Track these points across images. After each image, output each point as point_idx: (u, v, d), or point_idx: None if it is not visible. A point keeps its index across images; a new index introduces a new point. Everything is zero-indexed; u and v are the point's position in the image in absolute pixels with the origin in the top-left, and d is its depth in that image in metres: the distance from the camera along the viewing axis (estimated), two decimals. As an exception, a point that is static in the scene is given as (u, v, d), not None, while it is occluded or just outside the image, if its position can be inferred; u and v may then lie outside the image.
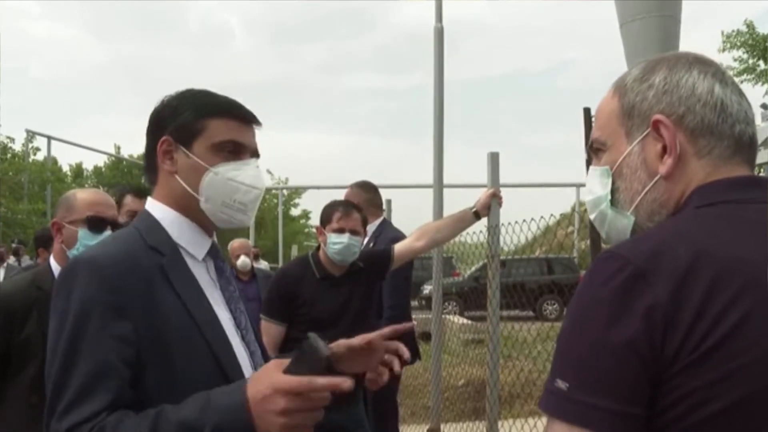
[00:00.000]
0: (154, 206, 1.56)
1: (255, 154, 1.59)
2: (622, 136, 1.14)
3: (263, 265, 14.48)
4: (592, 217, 1.22)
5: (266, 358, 1.62)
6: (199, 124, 1.53)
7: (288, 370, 1.26)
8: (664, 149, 1.09)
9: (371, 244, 4.18)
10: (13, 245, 13.48)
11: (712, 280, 0.91)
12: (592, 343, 0.93)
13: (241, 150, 1.56)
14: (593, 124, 1.21)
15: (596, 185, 1.19)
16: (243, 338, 1.56)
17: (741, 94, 1.11)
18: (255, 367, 1.55)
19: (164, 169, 1.55)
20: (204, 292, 1.50)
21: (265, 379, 1.26)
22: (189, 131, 1.53)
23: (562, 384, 0.94)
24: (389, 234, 4.11)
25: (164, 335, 1.37)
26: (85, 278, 1.35)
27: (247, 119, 1.58)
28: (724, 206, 1.03)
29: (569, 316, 0.99)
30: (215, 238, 1.64)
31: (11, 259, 12.10)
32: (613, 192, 1.16)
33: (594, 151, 1.21)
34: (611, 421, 0.90)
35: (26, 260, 12.05)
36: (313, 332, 1.32)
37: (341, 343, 1.64)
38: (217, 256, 1.60)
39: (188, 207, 1.54)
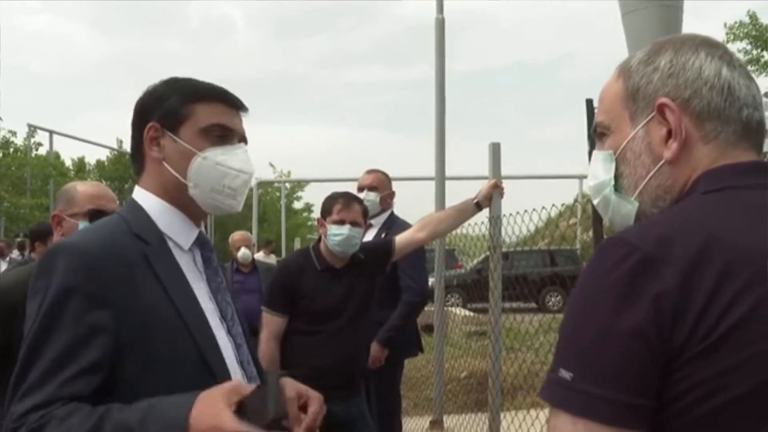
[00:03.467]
0: (140, 195, 1.55)
1: (243, 139, 1.59)
2: (626, 119, 1.11)
3: (272, 259, 14.43)
4: (595, 202, 1.19)
5: (252, 352, 1.60)
6: (186, 109, 1.52)
7: (238, 412, 1.24)
8: (669, 133, 1.06)
9: (382, 235, 4.19)
10: (18, 240, 13.47)
11: (723, 268, 0.89)
12: (598, 331, 0.91)
13: (229, 134, 1.55)
14: (597, 109, 1.19)
15: (599, 170, 1.16)
16: (228, 330, 1.53)
17: (749, 77, 1.08)
18: (240, 361, 1.53)
19: (151, 157, 1.53)
20: (188, 282, 1.49)
21: (213, 412, 1.24)
22: (176, 116, 1.52)
23: (566, 374, 0.91)
24: (400, 228, 4.09)
25: (146, 323, 1.36)
26: (64, 264, 1.35)
27: (234, 104, 1.58)
28: (731, 192, 1.01)
29: (573, 304, 0.96)
30: (203, 228, 1.62)
31: (14, 253, 12.10)
32: (616, 177, 1.13)
33: (598, 135, 1.18)
34: (617, 412, 0.88)
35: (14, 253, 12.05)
36: (274, 374, 1.31)
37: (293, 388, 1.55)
38: (204, 246, 1.58)
39: (176, 194, 1.53)
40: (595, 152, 1.19)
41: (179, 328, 1.41)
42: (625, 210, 1.13)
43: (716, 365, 0.87)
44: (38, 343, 1.32)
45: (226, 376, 1.46)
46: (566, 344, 0.95)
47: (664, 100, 1.06)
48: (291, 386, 1.51)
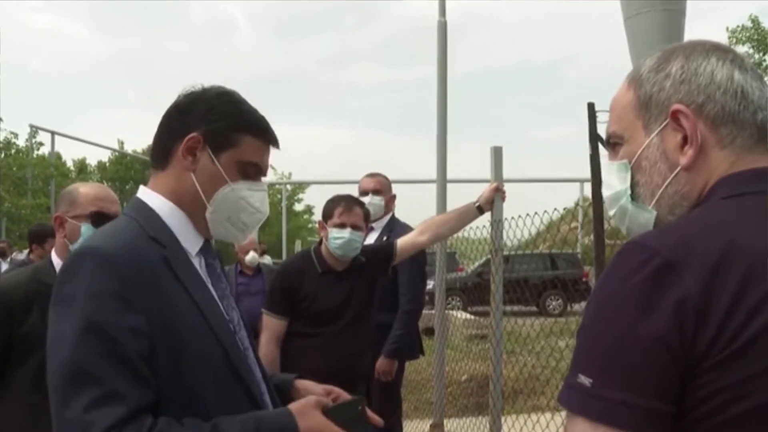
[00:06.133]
0: (149, 196, 1.52)
1: (265, 173, 1.60)
2: (640, 128, 1.11)
3: (267, 260, 14.47)
4: (611, 212, 1.18)
5: (257, 358, 1.61)
6: (234, 136, 1.52)
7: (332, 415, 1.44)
8: (685, 140, 1.05)
9: (384, 238, 4.20)
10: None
11: (745, 273, 0.88)
12: (619, 337, 0.90)
13: (260, 172, 1.57)
14: (608, 118, 1.18)
15: (615, 180, 1.15)
16: (235, 335, 1.53)
17: (761, 80, 1.07)
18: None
19: (182, 163, 1.51)
20: (207, 285, 1.49)
21: (318, 424, 1.40)
22: (222, 139, 1.51)
23: (585, 379, 0.91)
24: (402, 231, 4.10)
25: (174, 325, 1.35)
26: (93, 268, 1.31)
27: (274, 143, 1.59)
28: (751, 197, 1.00)
29: (592, 309, 0.95)
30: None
31: (23, 254, 12.00)
32: (632, 186, 1.13)
33: (611, 145, 1.17)
34: (638, 419, 0.87)
35: (22, 255, 11.94)
36: (361, 400, 1.59)
37: (310, 390, 1.74)
38: (208, 252, 1.57)
39: (192, 208, 1.52)
40: (609, 162, 1.18)
41: (205, 330, 1.40)
42: (642, 219, 1.13)
43: (739, 372, 0.86)
44: (85, 352, 1.26)
45: (249, 377, 1.48)
46: (585, 350, 0.94)
47: (678, 106, 1.05)
48: (314, 385, 1.74)
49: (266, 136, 1.57)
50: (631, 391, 0.88)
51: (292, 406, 1.43)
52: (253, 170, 1.55)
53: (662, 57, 1.11)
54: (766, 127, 1.06)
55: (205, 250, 1.56)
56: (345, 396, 1.71)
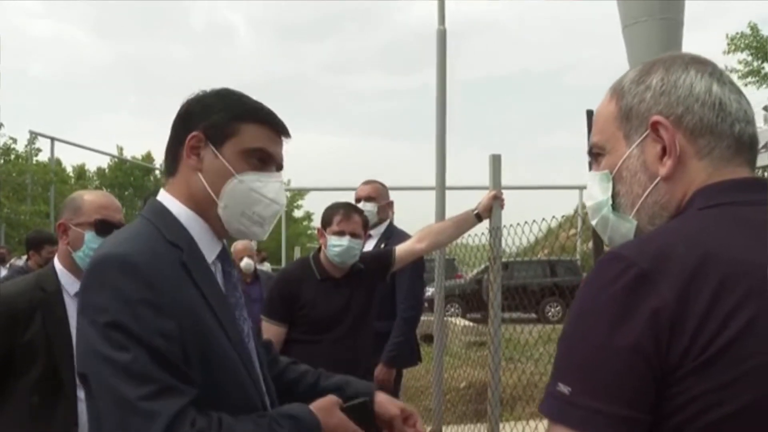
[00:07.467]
0: (169, 200, 1.52)
1: (280, 167, 1.58)
2: (621, 139, 1.13)
3: (266, 267, 14.47)
4: (593, 222, 1.20)
5: (264, 368, 1.61)
6: (233, 126, 1.50)
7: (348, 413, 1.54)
8: (664, 151, 1.07)
9: (381, 246, 4.21)
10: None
11: (720, 283, 0.90)
12: (596, 346, 0.92)
13: (269, 160, 1.54)
14: (592, 130, 1.20)
15: (597, 190, 1.17)
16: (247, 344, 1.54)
17: (739, 92, 1.10)
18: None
19: (188, 164, 1.51)
20: (222, 290, 1.49)
21: (337, 414, 1.51)
22: (222, 131, 1.50)
23: (563, 388, 0.93)
24: (400, 238, 4.11)
25: (197, 330, 1.36)
26: (119, 275, 1.31)
27: (280, 130, 1.57)
28: (727, 208, 1.02)
29: (571, 318, 0.97)
30: (224, 242, 1.61)
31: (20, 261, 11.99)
32: (614, 196, 1.15)
33: (594, 156, 1.19)
34: (615, 426, 0.89)
35: (20, 261, 11.89)
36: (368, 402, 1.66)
37: (387, 408, 1.72)
38: (225, 260, 1.56)
39: (204, 208, 1.51)
40: (591, 173, 1.20)
41: (221, 335, 1.41)
42: (624, 229, 1.14)
43: (713, 380, 0.87)
44: (126, 359, 1.27)
45: (258, 387, 1.49)
46: (564, 359, 0.96)
47: (657, 117, 1.07)
48: (392, 403, 1.71)
49: (268, 122, 1.54)
50: (608, 398, 0.89)
51: (316, 405, 1.49)
52: (260, 157, 1.52)
53: (643, 69, 1.13)
54: (743, 139, 1.08)
55: (222, 258, 1.55)
56: (419, 419, 1.75)
